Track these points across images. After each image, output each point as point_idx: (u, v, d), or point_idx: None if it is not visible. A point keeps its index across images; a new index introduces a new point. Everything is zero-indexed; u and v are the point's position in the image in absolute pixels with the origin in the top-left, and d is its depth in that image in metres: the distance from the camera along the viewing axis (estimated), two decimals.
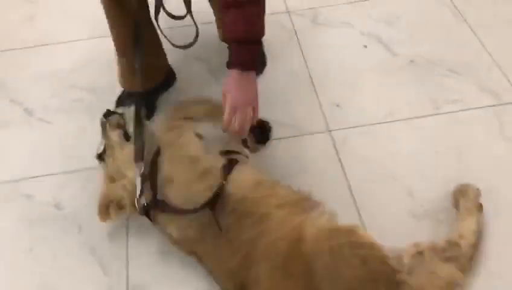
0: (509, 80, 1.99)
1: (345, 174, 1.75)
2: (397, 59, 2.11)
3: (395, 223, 1.61)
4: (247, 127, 1.53)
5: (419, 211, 1.63)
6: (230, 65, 1.50)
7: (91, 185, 1.74)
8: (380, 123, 1.88)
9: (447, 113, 1.90)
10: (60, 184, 1.78)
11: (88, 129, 1.92)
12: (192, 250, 1.47)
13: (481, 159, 1.76)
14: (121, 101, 1.95)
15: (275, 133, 1.86)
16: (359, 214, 1.64)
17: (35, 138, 1.94)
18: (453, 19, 2.26)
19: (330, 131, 1.88)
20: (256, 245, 1.33)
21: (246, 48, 1.48)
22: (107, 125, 1.65)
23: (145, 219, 1.51)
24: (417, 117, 1.90)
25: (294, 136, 1.87)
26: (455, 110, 1.91)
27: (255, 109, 1.54)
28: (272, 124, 1.84)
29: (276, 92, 2.01)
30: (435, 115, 1.90)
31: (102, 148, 1.65)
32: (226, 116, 1.50)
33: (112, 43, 1.83)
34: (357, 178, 1.73)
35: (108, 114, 1.68)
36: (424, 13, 2.30)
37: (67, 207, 1.71)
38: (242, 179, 1.45)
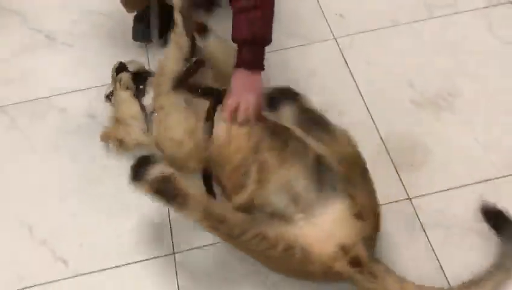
0: None
1: (351, 73, 1.92)
2: None
3: (399, 111, 1.80)
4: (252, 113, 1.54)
5: (419, 99, 1.82)
6: (235, 65, 1.61)
7: None
8: (381, 28, 2.04)
9: (441, 16, 2.06)
10: (90, 98, 1.93)
11: (109, 50, 2.06)
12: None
13: (473, 55, 1.93)
14: (134, 32, 2.05)
15: (283, 43, 2.01)
16: (367, 107, 1.82)
17: (61, 59, 2.07)
18: None
19: (336, 38, 2.03)
20: None
21: (250, 49, 1.57)
22: (117, 84, 1.72)
23: None
24: (414, 21, 2.05)
25: (301, 45, 2.03)
26: (449, 13, 2.07)
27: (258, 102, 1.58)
28: (279, 35, 1.99)
29: (280, 5, 2.12)
30: (430, 18, 2.06)
31: (109, 91, 1.78)
32: (227, 102, 1.54)
33: None
34: (362, 76, 1.91)
35: (120, 68, 1.75)
36: None
37: (100, 116, 1.86)
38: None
